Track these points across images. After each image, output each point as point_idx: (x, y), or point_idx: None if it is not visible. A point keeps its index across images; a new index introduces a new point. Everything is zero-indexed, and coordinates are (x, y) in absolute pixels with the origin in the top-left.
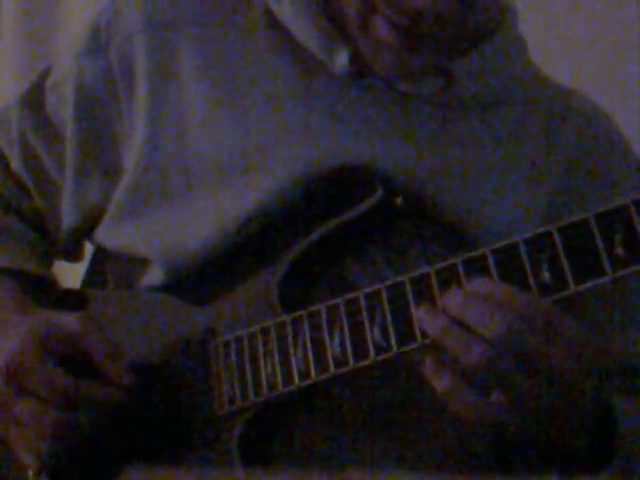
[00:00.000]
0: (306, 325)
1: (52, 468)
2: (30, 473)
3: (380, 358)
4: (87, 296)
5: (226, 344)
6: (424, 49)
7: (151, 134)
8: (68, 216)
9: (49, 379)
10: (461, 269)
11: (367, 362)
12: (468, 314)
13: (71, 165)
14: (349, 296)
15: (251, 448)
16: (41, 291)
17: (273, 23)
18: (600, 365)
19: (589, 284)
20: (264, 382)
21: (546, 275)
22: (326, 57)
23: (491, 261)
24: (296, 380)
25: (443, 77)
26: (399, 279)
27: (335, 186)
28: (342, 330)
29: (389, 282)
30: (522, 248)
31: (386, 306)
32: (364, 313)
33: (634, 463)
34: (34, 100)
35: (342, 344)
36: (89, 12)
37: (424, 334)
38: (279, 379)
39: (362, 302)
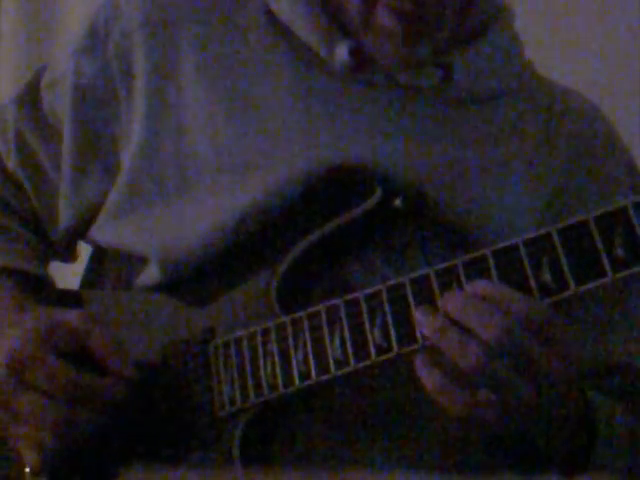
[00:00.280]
0: (306, 326)
1: (52, 465)
2: (28, 471)
3: (381, 359)
4: (84, 297)
5: (226, 345)
6: (427, 36)
7: (149, 132)
8: (65, 215)
9: (53, 373)
10: (461, 270)
11: (368, 363)
12: (467, 315)
13: (68, 164)
14: (349, 297)
15: (251, 449)
16: (38, 291)
17: (272, 21)
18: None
19: (589, 285)
20: (264, 383)
21: (546, 276)
22: (326, 52)
23: (491, 262)
24: (296, 381)
25: (442, 70)
26: (399, 280)
27: (334, 186)
28: (342, 331)
29: (389, 283)
30: (522, 249)
31: (387, 307)
32: (365, 314)
33: (620, 461)
34: (31, 99)
35: (342, 345)
36: (89, 12)
37: (425, 335)
38: (279, 380)
39: (362, 303)
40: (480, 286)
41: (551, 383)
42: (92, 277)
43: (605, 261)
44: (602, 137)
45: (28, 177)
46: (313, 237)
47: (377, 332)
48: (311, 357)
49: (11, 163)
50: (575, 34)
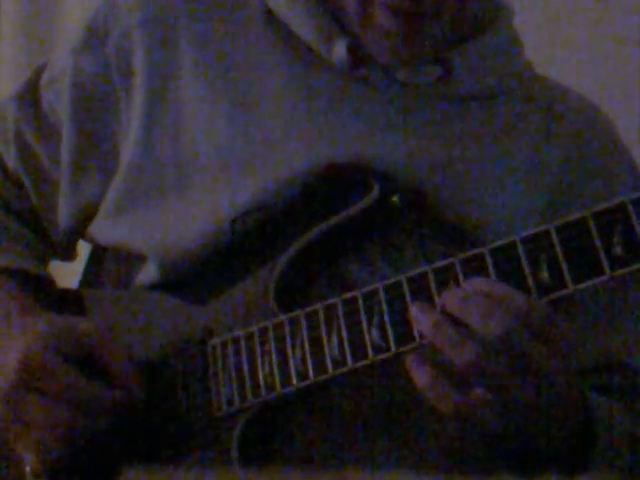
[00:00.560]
0: (304, 325)
1: (52, 468)
2: (28, 471)
3: (379, 358)
4: (83, 296)
5: (224, 345)
6: (424, 34)
7: (147, 130)
8: (64, 214)
9: (61, 378)
10: (459, 268)
11: (366, 362)
12: (466, 312)
13: (67, 162)
14: (347, 296)
15: (250, 449)
16: (39, 291)
17: (271, 19)
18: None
19: (588, 283)
20: (262, 383)
21: (544, 274)
22: (324, 50)
23: (489, 260)
24: (294, 381)
25: (441, 67)
26: (397, 278)
27: (332, 183)
28: (340, 330)
29: (387, 282)
30: (520, 247)
31: (384, 306)
32: (362, 313)
33: (619, 461)
34: (30, 97)
35: (340, 344)
36: (89, 12)
37: (421, 332)
38: (277, 380)
39: (360, 302)
40: (479, 283)
41: (549, 382)
42: (91, 276)
43: (603, 259)
44: (602, 136)
45: (28, 176)
46: (311, 235)
47: (375, 331)
48: (309, 357)
49: (11, 162)
50: (575, 34)
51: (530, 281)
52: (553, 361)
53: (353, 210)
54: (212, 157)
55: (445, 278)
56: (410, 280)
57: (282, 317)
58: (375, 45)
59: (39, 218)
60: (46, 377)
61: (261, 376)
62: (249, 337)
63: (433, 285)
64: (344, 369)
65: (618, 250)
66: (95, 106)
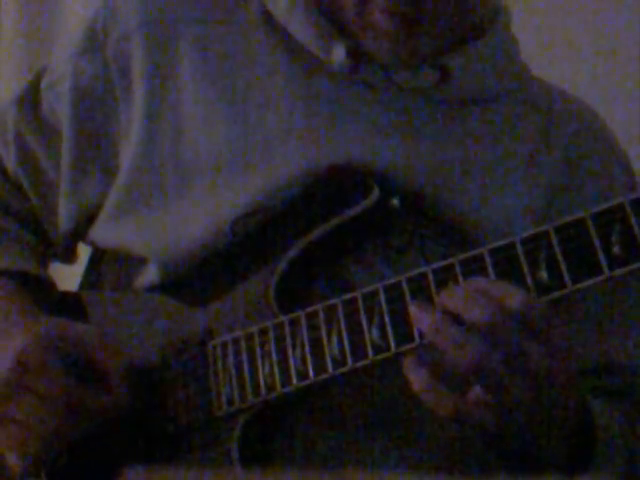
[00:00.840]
0: (304, 326)
1: (39, 471)
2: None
3: (378, 358)
4: (84, 298)
5: (224, 345)
6: (422, 35)
7: (147, 133)
8: (65, 216)
9: (54, 380)
10: (458, 269)
11: (365, 362)
12: (465, 309)
13: (67, 165)
14: (347, 296)
15: (250, 449)
16: (39, 293)
17: (270, 22)
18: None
19: (586, 283)
20: (262, 383)
21: (543, 274)
22: (323, 53)
23: (488, 261)
24: (294, 381)
25: (439, 71)
26: (396, 279)
27: (332, 186)
28: (340, 330)
29: (386, 282)
30: (519, 248)
31: (384, 306)
32: (362, 313)
33: (618, 462)
34: (30, 99)
35: (340, 344)
36: (89, 12)
37: (422, 334)
38: (277, 380)
39: (360, 302)
40: (479, 282)
41: (549, 382)
42: (91, 278)
43: (602, 259)
44: (598, 138)
45: (28, 178)
46: (311, 237)
47: (374, 331)
48: (309, 357)
49: (11, 164)
50: (575, 34)
51: (529, 281)
52: (552, 361)
53: (353, 212)
54: (212, 159)
55: (445, 278)
56: (410, 280)
57: (282, 318)
58: (374, 46)
59: (39, 220)
60: (38, 377)
61: (261, 376)
62: (249, 337)
63: (433, 285)
64: (344, 369)
65: (617, 250)
66: (95, 109)
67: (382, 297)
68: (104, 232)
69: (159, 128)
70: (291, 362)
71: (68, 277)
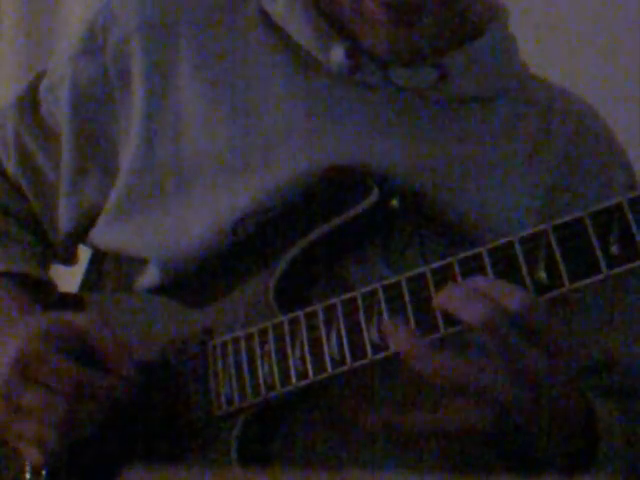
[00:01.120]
0: (303, 325)
1: (54, 463)
2: (27, 469)
3: (378, 358)
4: (85, 299)
5: (224, 345)
6: (420, 29)
7: (147, 134)
8: (65, 218)
9: (57, 369)
10: (457, 268)
11: (365, 362)
12: (463, 310)
13: (67, 166)
14: (346, 296)
15: (249, 448)
16: (40, 294)
17: (268, 23)
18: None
19: (585, 282)
20: (262, 382)
21: (542, 274)
22: (322, 54)
23: (487, 260)
24: (294, 380)
25: (438, 71)
26: (396, 279)
27: (332, 186)
28: (339, 330)
29: (386, 282)
30: (517, 247)
31: (383, 306)
32: (361, 313)
33: (619, 461)
34: (30, 102)
35: (339, 344)
36: (89, 12)
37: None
38: (277, 379)
39: (359, 302)
40: (478, 282)
41: (549, 383)
42: (92, 279)
43: (600, 258)
44: (599, 137)
45: (28, 180)
46: (311, 237)
47: (374, 331)
48: (308, 356)
49: (11, 167)
50: (575, 34)
51: (528, 280)
52: (552, 361)
53: (353, 212)
54: (212, 160)
55: (443, 278)
56: (409, 280)
57: (282, 317)
58: (371, 39)
59: (39, 222)
60: (42, 367)
61: (261, 375)
62: (249, 337)
63: (432, 285)
64: (343, 369)
65: (615, 249)
66: (94, 110)
67: (381, 297)
68: (104, 234)
69: (159, 129)
70: (290, 362)
71: (68, 278)
